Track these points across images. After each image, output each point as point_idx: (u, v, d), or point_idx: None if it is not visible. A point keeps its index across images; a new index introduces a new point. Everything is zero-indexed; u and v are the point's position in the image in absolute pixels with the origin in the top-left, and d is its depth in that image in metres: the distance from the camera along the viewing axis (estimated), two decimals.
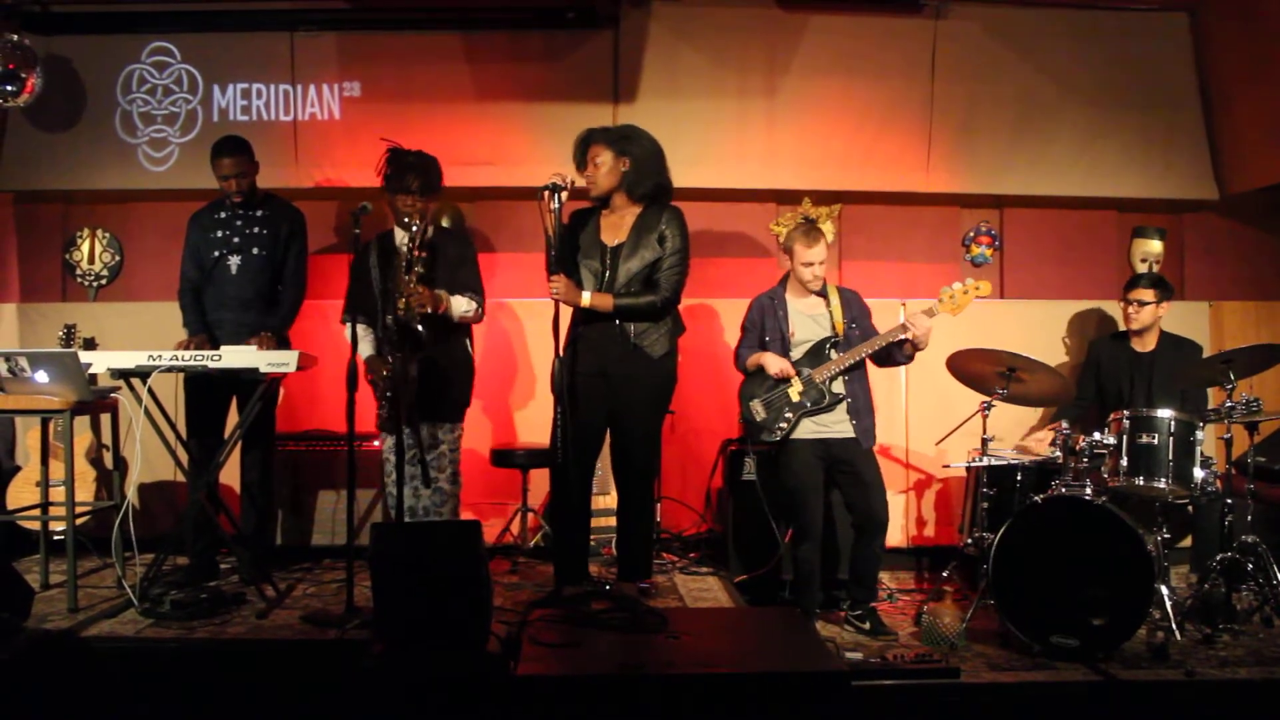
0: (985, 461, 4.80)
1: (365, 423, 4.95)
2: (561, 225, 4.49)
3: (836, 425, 4.63)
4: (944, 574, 4.98)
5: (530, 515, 5.71)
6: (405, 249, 4.74)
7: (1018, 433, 5.58)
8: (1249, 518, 4.49)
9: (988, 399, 4.78)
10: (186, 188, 5.78)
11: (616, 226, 4.63)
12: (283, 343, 5.00)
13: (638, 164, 4.56)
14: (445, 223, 5.92)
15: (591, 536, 5.37)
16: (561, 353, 4.48)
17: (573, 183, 4.48)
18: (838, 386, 4.63)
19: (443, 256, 4.84)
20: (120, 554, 4.78)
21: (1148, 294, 5.19)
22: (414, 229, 4.72)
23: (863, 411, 4.66)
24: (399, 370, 4.62)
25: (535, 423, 5.75)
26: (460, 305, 4.81)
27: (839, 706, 3.33)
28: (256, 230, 5.03)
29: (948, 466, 5.48)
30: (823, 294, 4.75)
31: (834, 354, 4.64)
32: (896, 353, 4.68)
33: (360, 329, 4.75)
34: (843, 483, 4.66)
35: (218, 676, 3.78)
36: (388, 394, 4.71)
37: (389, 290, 4.73)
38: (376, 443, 5.33)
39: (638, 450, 4.65)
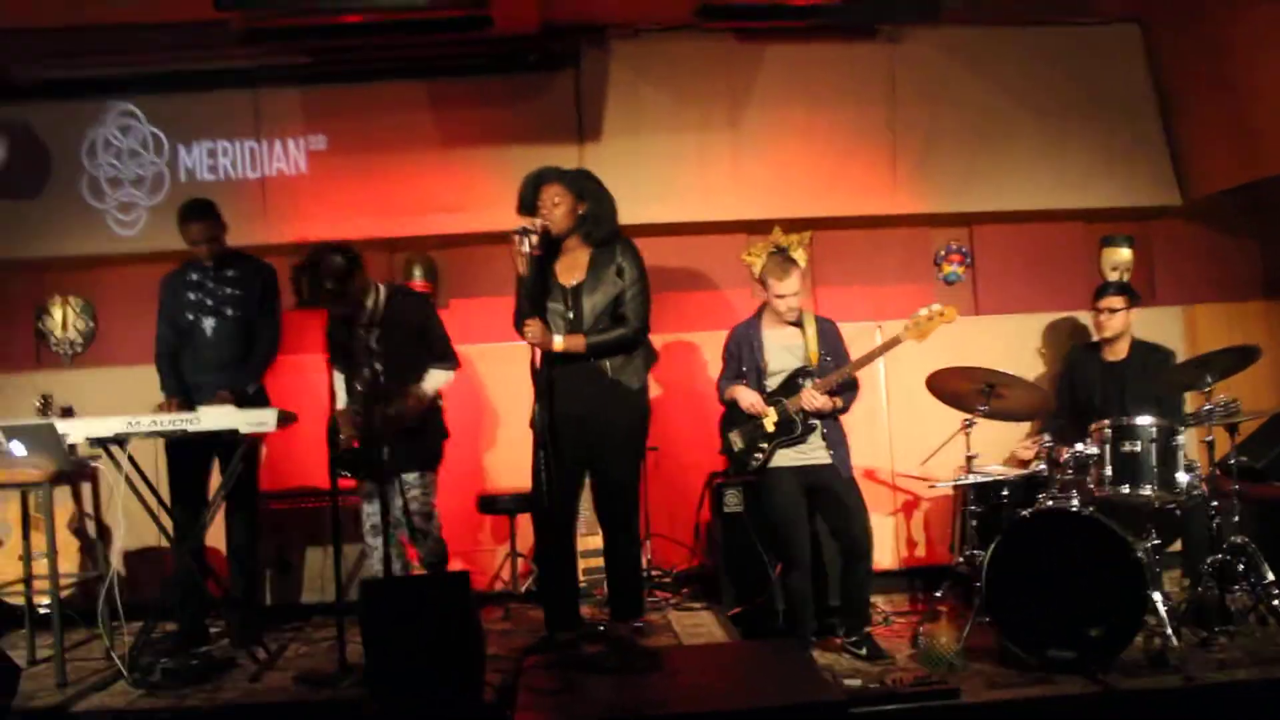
0: (971, 479, 4.80)
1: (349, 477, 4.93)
2: (533, 268, 4.49)
3: (813, 453, 4.64)
4: (938, 594, 4.97)
5: (520, 560, 5.68)
6: (361, 334, 4.68)
7: (1001, 448, 5.60)
8: (1236, 518, 4.50)
9: (969, 417, 4.79)
10: (158, 250, 5.76)
11: (572, 267, 4.65)
12: (248, 398, 4.91)
13: (596, 209, 4.60)
14: (418, 273, 5.93)
15: (582, 578, 5.38)
16: (536, 396, 4.50)
17: (544, 227, 4.48)
18: (812, 417, 4.64)
19: (402, 327, 4.72)
20: (107, 624, 4.67)
21: (1117, 301, 5.22)
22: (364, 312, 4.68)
23: (837, 441, 4.67)
24: (370, 422, 4.62)
25: (518, 466, 5.70)
26: (434, 383, 4.77)
27: None
28: (229, 291, 5.00)
29: (934, 486, 5.49)
30: (799, 324, 4.76)
31: (807, 384, 4.63)
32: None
33: (337, 379, 4.76)
34: (825, 510, 4.67)
35: None
36: (352, 444, 4.68)
37: (352, 355, 4.66)
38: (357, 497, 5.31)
39: (618, 491, 4.64)
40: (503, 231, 4.57)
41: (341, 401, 4.73)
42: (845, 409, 4.71)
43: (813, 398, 4.56)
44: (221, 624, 5.11)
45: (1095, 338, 5.39)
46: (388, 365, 4.68)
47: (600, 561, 5.41)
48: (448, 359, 4.86)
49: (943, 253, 6.43)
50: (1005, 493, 4.84)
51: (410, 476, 4.84)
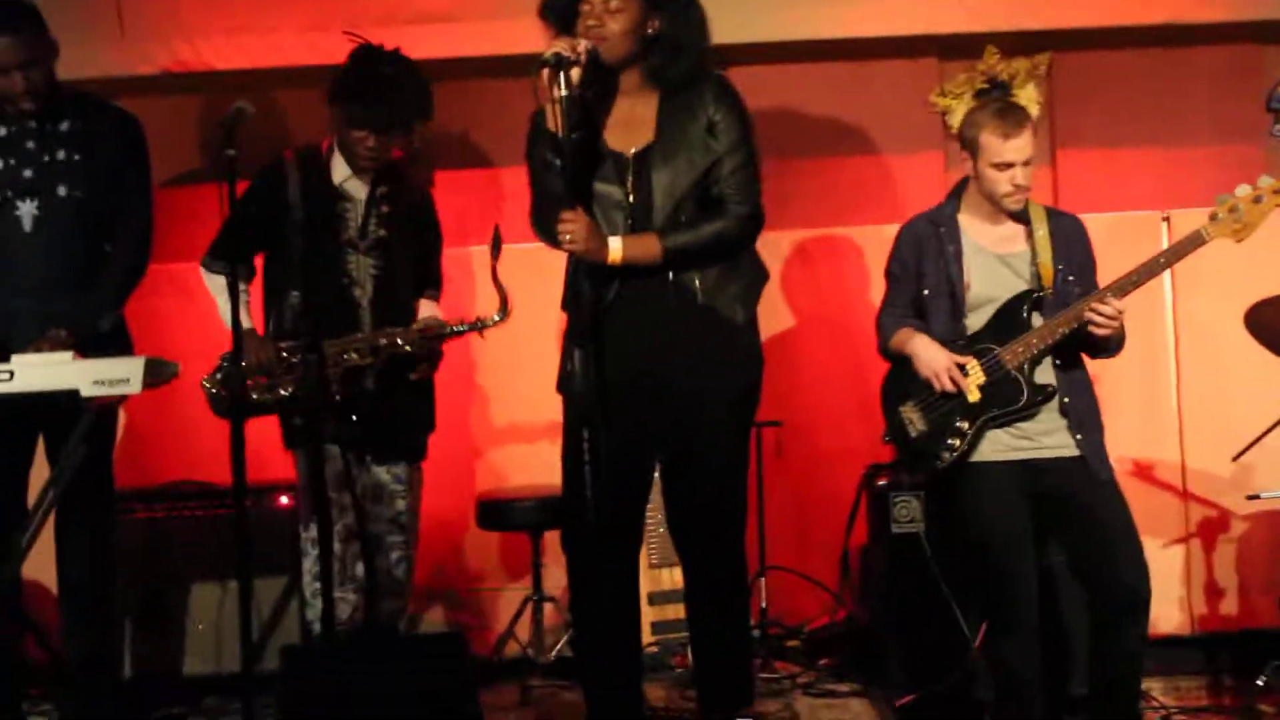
0: None
1: (266, 464, 5.09)
2: (572, 122, 4.49)
3: (1048, 437, 4.63)
4: (1260, 681, 4.99)
5: (548, 607, 5.79)
6: (364, 208, 5.23)
7: None
8: None
9: None
10: None
11: (630, 121, 4.59)
12: (106, 341, 4.97)
13: (677, 26, 4.53)
14: None
15: (649, 638, 5.46)
16: (572, 338, 4.53)
17: (592, 51, 4.45)
18: (1044, 374, 4.62)
19: (407, 224, 5.29)
20: None
21: None
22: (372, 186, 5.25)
23: (1086, 419, 4.66)
24: (309, 373, 4.83)
25: (541, 454, 5.82)
26: (429, 312, 5.30)
27: None
28: (62, 155, 5.04)
29: (1255, 497, 5.48)
30: (1022, 219, 4.75)
31: (1036, 319, 4.63)
32: (1095, 339, 4.66)
33: (224, 283, 4.99)
34: (1067, 533, 4.67)
35: None
36: (282, 397, 5.00)
37: (322, 257, 5.10)
38: (284, 498, 5.45)
39: (711, 494, 4.61)
40: (518, 57, 4.57)
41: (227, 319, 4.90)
42: (1112, 351, 4.71)
43: (1106, 306, 4.48)
44: (48, 707, 5.27)
45: None
46: (383, 286, 5.23)
47: (680, 612, 5.49)
48: (439, 282, 5.27)
49: None
50: None
51: (389, 472, 5.13)
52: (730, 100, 4.55)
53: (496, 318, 5.08)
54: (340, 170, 5.24)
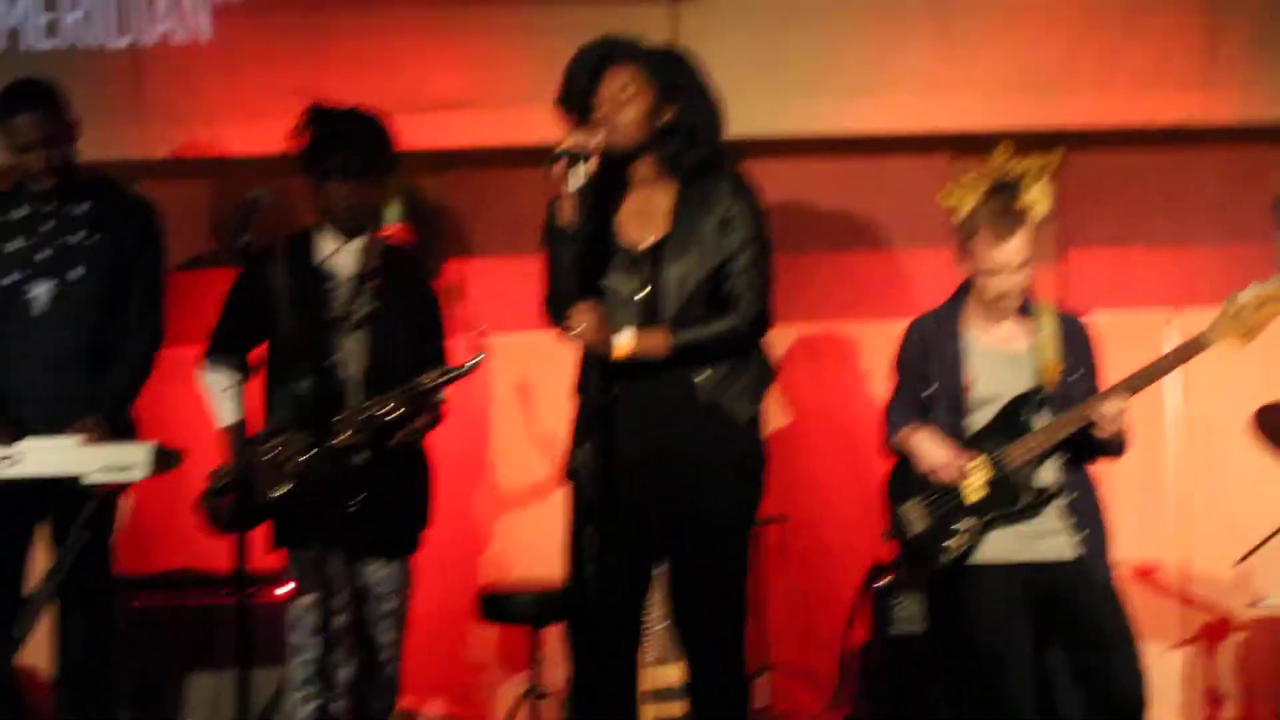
0: None
1: (264, 554, 5.04)
2: (584, 213, 4.51)
3: (1048, 539, 4.63)
4: None
5: (543, 702, 5.79)
6: (350, 285, 5.10)
7: None
8: None
9: None
10: None
11: (645, 212, 4.59)
12: (124, 426, 5.03)
13: (691, 115, 4.54)
14: (394, 213, 6.07)
15: None
16: (579, 429, 4.55)
17: (606, 143, 4.39)
18: (1046, 475, 4.64)
19: (400, 303, 5.14)
20: None
21: None
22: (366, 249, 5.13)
23: (1089, 517, 4.66)
24: (315, 463, 4.86)
25: (544, 546, 5.83)
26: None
27: None
28: (80, 237, 5.10)
29: (1257, 604, 5.51)
30: (1027, 317, 4.76)
31: (1038, 420, 4.66)
32: (1097, 442, 4.67)
33: (225, 378, 4.93)
34: (1065, 636, 4.66)
35: None
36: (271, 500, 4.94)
37: (309, 339, 4.97)
38: (281, 589, 5.48)
39: (713, 590, 4.60)
40: (535, 147, 4.57)
41: (230, 417, 4.90)
42: (1115, 452, 4.72)
43: (1117, 404, 4.51)
44: None
45: None
46: (376, 363, 5.07)
47: (677, 710, 5.52)
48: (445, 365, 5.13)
49: None
50: None
51: (380, 571, 5.09)
52: (747, 196, 4.54)
53: (473, 360, 4.97)
54: (325, 248, 5.15)
